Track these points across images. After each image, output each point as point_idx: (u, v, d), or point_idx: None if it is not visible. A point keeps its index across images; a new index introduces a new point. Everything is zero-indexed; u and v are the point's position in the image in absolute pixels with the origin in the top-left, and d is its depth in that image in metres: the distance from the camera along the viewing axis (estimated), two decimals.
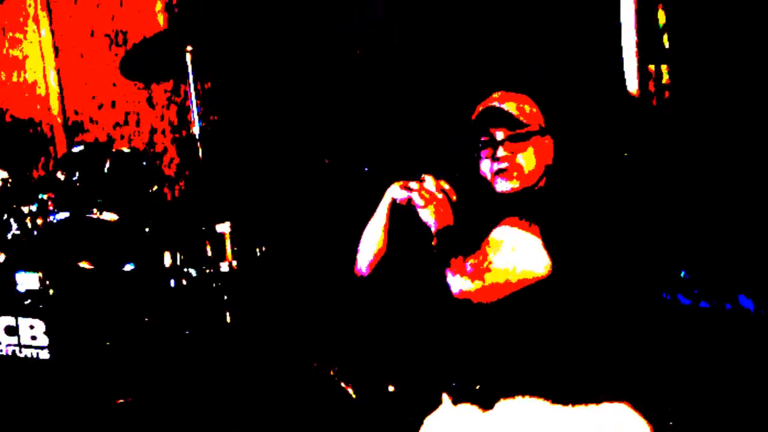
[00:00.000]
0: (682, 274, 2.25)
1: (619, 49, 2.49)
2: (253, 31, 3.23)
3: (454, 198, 1.84)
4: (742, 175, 2.27)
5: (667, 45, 2.48)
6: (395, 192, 1.87)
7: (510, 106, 1.80)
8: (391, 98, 2.96)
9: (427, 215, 1.78)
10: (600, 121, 2.47)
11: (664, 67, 2.48)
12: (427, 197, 1.79)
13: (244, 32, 3.18)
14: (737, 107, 2.30)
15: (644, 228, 2.26)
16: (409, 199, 1.82)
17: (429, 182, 1.84)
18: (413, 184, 1.84)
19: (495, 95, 1.85)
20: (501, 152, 1.79)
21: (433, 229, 1.76)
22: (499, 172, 1.79)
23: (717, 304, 2.17)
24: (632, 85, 2.49)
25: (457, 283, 1.64)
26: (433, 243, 1.75)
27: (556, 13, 2.59)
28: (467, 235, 1.76)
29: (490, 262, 1.63)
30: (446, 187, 1.84)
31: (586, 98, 2.49)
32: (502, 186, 1.79)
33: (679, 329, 2.20)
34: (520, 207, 1.73)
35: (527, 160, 1.78)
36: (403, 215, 1.87)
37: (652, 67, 2.49)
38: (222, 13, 3.27)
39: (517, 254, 1.64)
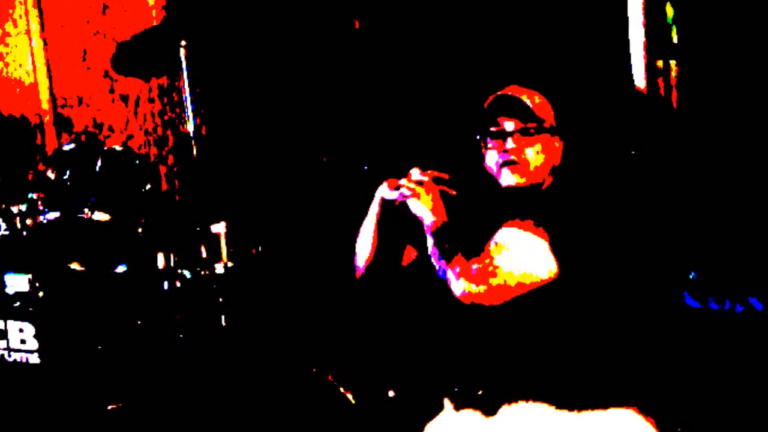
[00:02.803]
0: (692, 276, 2.25)
1: (627, 43, 2.49)
2: (250, 25, 3.23)
3: (453, 192, 1.85)
4: (753, 174, 2.28)
5: (675, 40, 2.48)
6: (384, 192, 1.87)
7: (524, 97, 1.80)
8: (393, 95, 2.96)
9: (418, 207, 1.78)
10: (606, 119, 2.47)
11: (672, 63, 2.48)
12: (414, 188, 1.80)
13: (240, 25, 3.18)
14: (748, 104, 2.30)
15: (652, 229, 2.26)
16: (401, 199, 1.82)
17: (416, 173, 1.84)
18: (402, 180, 1.84)
19: (508, 89, 1.85)
20: (510, 144, 1.79)
21: (427, 223, 1.75)
22: (505, 164, 1.79)
23: (727, 306, 2.18)
24: (640, 81, 2.49)
25: (461, 286, 1.64)
26: (429, 241, 1.74)
27: (562, 5, 2.60)
28: (468, 234, 1.76)
29: (495, 266, 1.63)
30: (430, 177, 1.84)
31: (593, 95, 2.49)
32: (508, 179, 1.79)
33: (688, 332, 2.20)
34: (525, 208, 1.73)
35: (535, 155, 1.79)
36: (400, 215, 1.87)
37: (660, 62, 2.49)
38: (217, 5, 3.26)
39: (523, 257, 1.64)
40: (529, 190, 1.80)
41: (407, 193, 1.80)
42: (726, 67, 2.35)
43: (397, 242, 1.97)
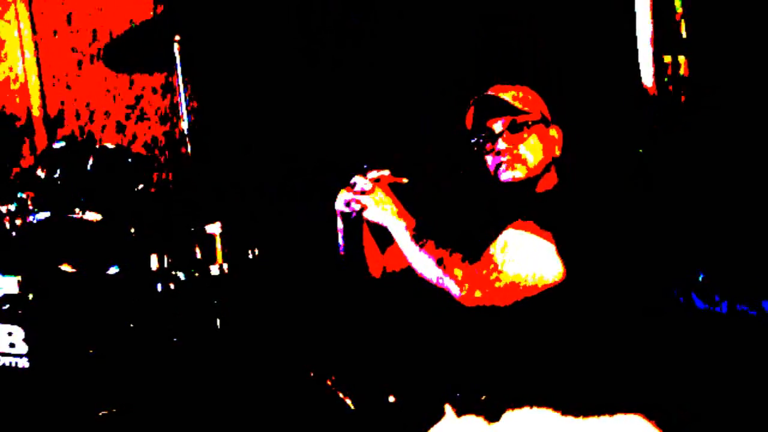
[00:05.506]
0: (700, 277, 2.25)
1: (634, 38, 2.49)
2: (247, 21, 3.23)
3: (402, 180, 1.84)
4: (764, 174, 2.27)
5: (684, 34, 2.48)
6: (340, 205, 1.88)
7: (505, 95, 1.82)
8: (390, 94, 2.96)
9: (376, 216, 1.77)
10: (613, 116, 2.47)
11: (681, 58, 2.48)
12: (363, 200, 1.79)
13: (237, 21, 3.18)
14: (760, 101, 2.30)
15: (659, 229, 2.26)
16: (356, 213, 1.81)
17: (360, 181, 1.83)
18: (345, 194, 1.83)
19: (491, 89, 1.88)
20: (501, 144, 1.82)
21: (398, 230, 1.74)
22: (501, 164, 1.82)
23: (737, 308, 2.17)
24: (647, 77, 2.49)
25: (465, 291, 1.64)
26: (412, 249, 1.72)
27: None
28: (467, 234, 1.76)
29: (500, 270, 1.63)
30: (372, 180, 1.81)
31: (598, 91, 2.49)
32: (506, 175, 1.82)
33: (696, 335, 2.20)
34: (529, 208, 1.73)
35: (530, 150, 1.82)
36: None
37: (668, 58, 2.49)
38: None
39: (529, 261, 1.64)
40: (530, 186, 1.82)
41: (356, 207, 1.79)
42: (737, 63, 2.35)
43: (381, 247, 1.98)
